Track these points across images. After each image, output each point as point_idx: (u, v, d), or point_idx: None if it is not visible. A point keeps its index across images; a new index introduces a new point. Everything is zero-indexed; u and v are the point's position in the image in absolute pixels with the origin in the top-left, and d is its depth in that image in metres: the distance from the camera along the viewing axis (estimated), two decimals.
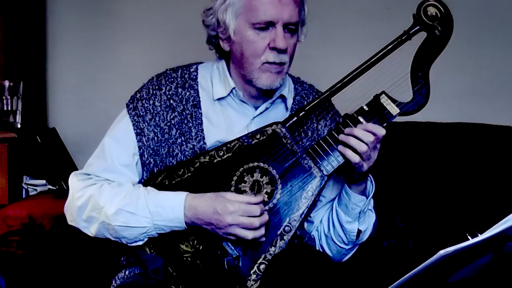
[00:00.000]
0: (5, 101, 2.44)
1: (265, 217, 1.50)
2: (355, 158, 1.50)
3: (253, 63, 1.55)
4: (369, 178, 1.62)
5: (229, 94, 1.62)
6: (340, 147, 1.53)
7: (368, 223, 1.65)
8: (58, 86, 2.91)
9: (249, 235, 1.47)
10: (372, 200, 1.65)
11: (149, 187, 1.55)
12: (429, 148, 2.37)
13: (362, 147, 1.50)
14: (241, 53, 1.55)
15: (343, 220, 1.62)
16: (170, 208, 1.50)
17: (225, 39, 1.58)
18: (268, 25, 1.52)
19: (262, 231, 1.49)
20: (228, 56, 1.62)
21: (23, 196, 2.40)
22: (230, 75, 1.62)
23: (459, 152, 2.35)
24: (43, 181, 2.43)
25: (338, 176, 1.65)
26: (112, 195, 1.53)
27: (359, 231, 1.63)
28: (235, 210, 1.47)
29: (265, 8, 1.50)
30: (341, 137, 1.53)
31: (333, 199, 1.67)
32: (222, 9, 1.55)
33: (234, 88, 1.61)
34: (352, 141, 1.50)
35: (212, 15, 1.58)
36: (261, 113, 1.64)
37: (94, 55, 2.90)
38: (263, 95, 1.62)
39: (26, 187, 2.41)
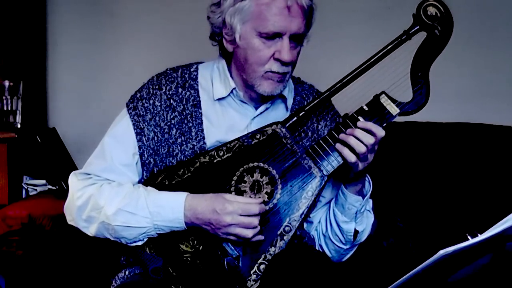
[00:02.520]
0: (5, 101, 2.45)
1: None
2: (351, 157, 1.51)
3: (256, 70, 1.54)
4: (366, 179, 1.62)
5: (229, 94, 1.62)
6: (338, 145, 1.53)
7: (365, 223, 1.65)
8: (58, 86, 2.91)
9: (249, 233, 1.48)
10: (370, 201, 1.65)
11: (149, 187, 1.55)
12: (429, 148, 2.37)
13: (361, 148, 1.50)
14: (245, 58, 1.54)
15: (340, 220, 1.62)
16: (170, 208, 1.50)
17: (229, 40, 1.57)
18: (275, 36, 1.51)
19: (258, 227, 1.49)
20: (230, 56, 1.61)
21: (23, 196, 2.41)
22: (231, 75, 1.62)
23: (459, 152, 2.35)
24: (43, 181, 2.43)
25: (338, 177, 1.65)
26: (112, 195, 1.53)
27: (356, 232, 1.63)
28: (234, 210, 1.47)
29: (275, 19, 1.49)
30: (342, 136, 1.53)
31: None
32: (231, 12, 1.53)
33: (234, 88, 1.61)
34: (352, 141, 1.50)
35: (219, 15, 1.55)
36: (261, 113, 1.63)
37: (94, 55, 2.90)
38: (263, 99, 1.62)
39: (26, 187, 2.41)
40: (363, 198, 1.61)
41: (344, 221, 1.62)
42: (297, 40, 1.54)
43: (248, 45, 1.53)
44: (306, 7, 1.52)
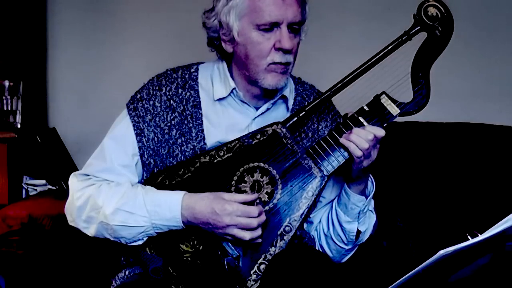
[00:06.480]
0: (5, 101, 2.45)
1: (263, 217, 1.50)
2: (357, 152, 1.50)
3: (258, 64, 1.54)
4: (369, 179, 1.62)
5: (229, 95, 1.62)
6: (343, 140, 1.52)
7: (368, 223, 1.65)
8: (58, 86, 2.91)
9: (247, 235, 1.47)
10: (372, 201, 1.65)
11: (147, 186, 1.55)
12: (429, 148, 2.37)
13: (364, 144, 1.50)
14: (246, 54, 1.55)
15: (343, 220, 1.62)
16: (168, 207, 1.50)
17: (228, 41, 1.57)
18: (272, 26, 1.52)
19: (259, 231, 1.49)
20: (229, 57, 1.61)
21: (23, 196, 2.41)
22: (231, 76, 1.62)
23: (459, 152, 2.35)
24: (43, 181, 2.43)
25: (338, 177, 1.65)
26: (111, 195, 1.53)
27: (358, 232, 1.63)
28: (233, 211, 1.47)
29: (270, 9, 1.50)
30: (343, 136, 1.53)
31: (333, 200, 1.67)
32: (225, 11, 1.54)
33: (234, 88, 1.61)
34: (353, 137, 1.50)
35: (214, 17, 1.56)
36: (262, 113, 1.63)
37: (94, 55, 2.90)
38: (265, 96, 1.62)
39: (26, 187, 2.41)
40: (366, 198, 1.61)
41: (347, 221, 1.62)
42: (295, 29, 1.54)
43: (247, 40, 1.53)
44: None
